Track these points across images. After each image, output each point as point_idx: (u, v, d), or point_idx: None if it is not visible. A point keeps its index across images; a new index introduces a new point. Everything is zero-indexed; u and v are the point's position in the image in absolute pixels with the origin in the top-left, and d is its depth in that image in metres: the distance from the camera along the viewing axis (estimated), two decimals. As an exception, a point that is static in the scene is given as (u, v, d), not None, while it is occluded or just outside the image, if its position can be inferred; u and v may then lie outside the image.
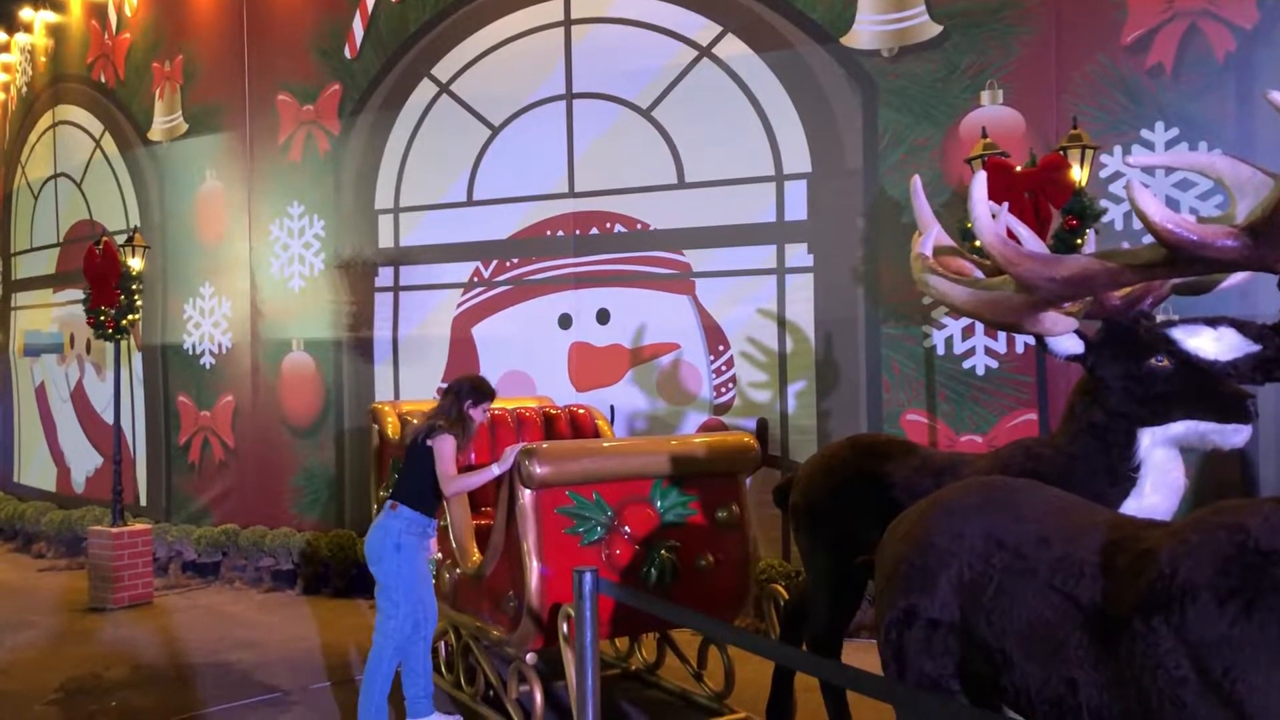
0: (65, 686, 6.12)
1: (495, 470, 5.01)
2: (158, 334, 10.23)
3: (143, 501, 10.32)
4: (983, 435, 6.84)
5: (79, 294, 8.94)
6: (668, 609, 3.83)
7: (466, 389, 5.18)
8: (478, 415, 5.18)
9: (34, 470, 12.13)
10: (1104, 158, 6.53)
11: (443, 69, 8.66)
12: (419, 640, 5.07)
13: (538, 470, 4.78)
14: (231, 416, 9.69)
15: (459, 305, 8.55)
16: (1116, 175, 6.62)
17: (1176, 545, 2.22)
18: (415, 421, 5.77)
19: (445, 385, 8.43)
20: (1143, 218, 2.21)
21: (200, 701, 5.78)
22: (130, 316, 8.53)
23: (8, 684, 6.19)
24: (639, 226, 7.94)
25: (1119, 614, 2.25)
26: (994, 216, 3.11)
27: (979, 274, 3.16)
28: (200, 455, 9.89)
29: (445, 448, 5.01)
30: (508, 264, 8.38)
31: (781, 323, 7.49)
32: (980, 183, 2.73)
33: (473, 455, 6.24)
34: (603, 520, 4.91)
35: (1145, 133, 6.56)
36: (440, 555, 5.66)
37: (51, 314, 11.81)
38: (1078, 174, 5.63)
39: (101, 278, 8.45)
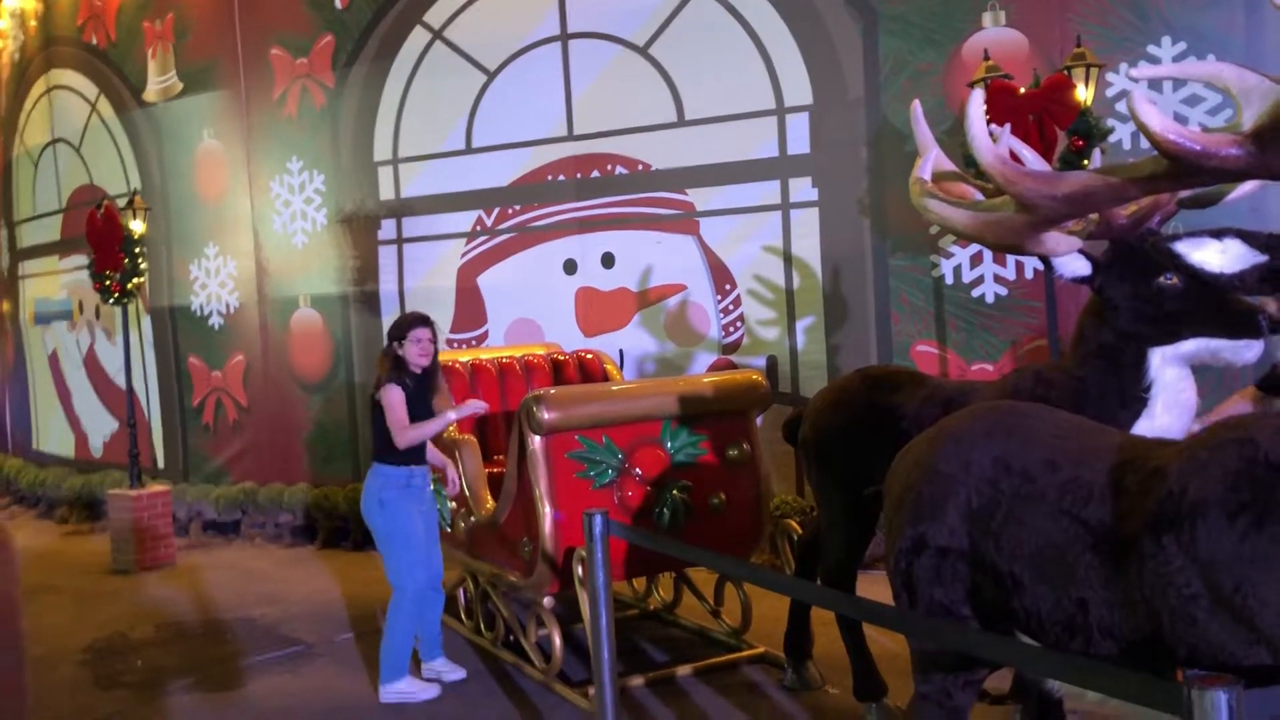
0: (92, 647, 6.21)
1: (451, 415, 5.06)
2: (165, 296, 10.22)
3: (160, 464, 10.39)
4: (994, 364, 6.80)
5: (84, 260, 8.92)
6: (681, 548, 3.84)
7: (391, 332, 5.13)
8: (411, 351, 5.03)
9: (52, 437, 12.22)
10: (1110, 76, 6.40)
11: (435, 15, 8.52)
12: (431, 589, 5.13)
13: (547, 416, 4.77)
14: (243, 376, 9.71)
15: (463, 255, 8.51)
16: (1123, 94, 6.49)
17: (1185, 462, 2.19)
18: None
19: (453, 336, 8.49)
20: (1143, 128, 2.15)
21: (226, 656, 5.86)
22: (135, 280, 8.53)
23: (35, 647, 6.27)
24: (640, 168, 7.85)
25: (1129, 534, 2.23)
26: (994, 139, 3.04)
27: (980, 198, 3.10)
28: (214, 416, 9.93)
29: (391, 397, 4.96)
30: (510, 211, 8.31)
31: (788, 259, 7.42)
32: (977, 102, 2.67)
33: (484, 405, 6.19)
34: (613, 463, 4.91)
35: (1152, 48, 6.42)
36: (455, 504, 5.69)
37: (59, 281, 11.81)
38: (1083, 94, 5.52)
39: (104, 242, 8.44)
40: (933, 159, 3.10)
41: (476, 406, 5.17)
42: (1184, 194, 2.94)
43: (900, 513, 2.75)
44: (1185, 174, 2.19)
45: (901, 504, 2.76)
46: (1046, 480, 2.48)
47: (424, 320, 5.14)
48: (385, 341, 5.13)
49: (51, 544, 9.59)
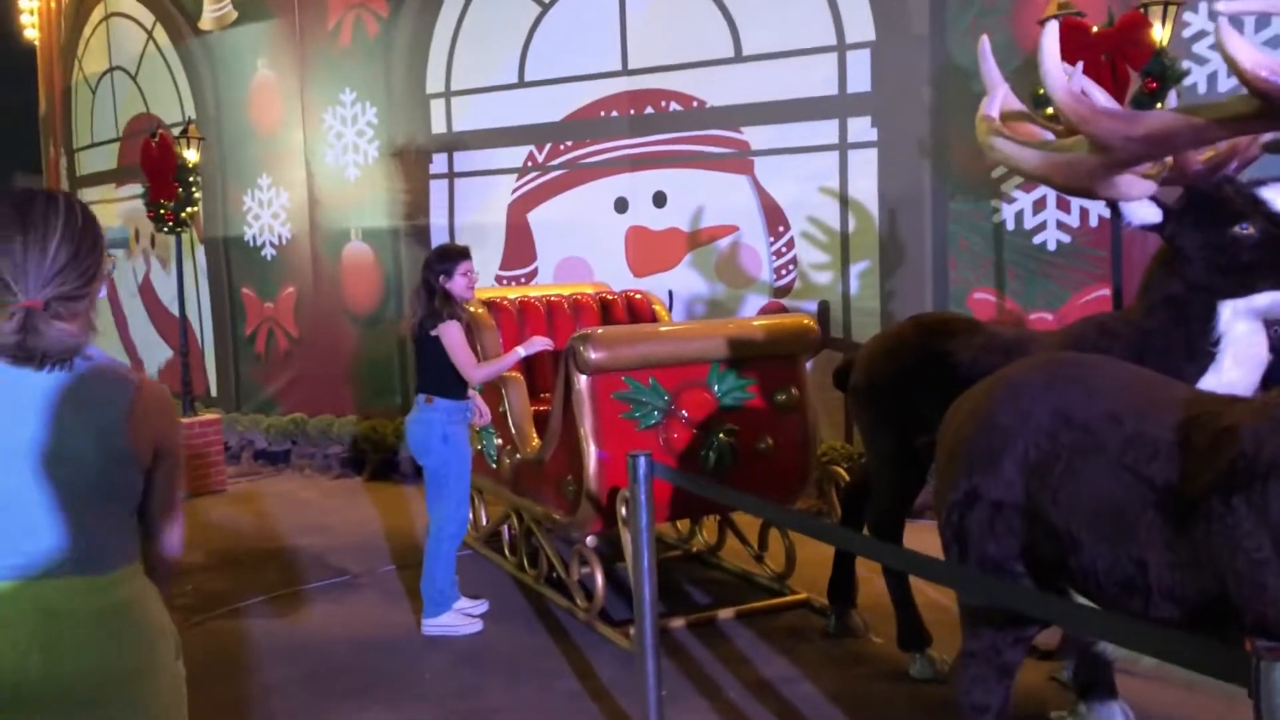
0: (144, 570, 6.32)
1: (521, 352, 5.04)
2: (219, 226, 10.28)
3: (213, 392, 10.53)
4: (1053, 312, 6.62)
5: (140, 189, 8.97)
6: (725, 493, 3.79)
7: (433, 265, 5.01)
8: (460, 285, 4.97)
9: (109, 363, 12.41)
10: (1187, 15, 6.12)
11: (490, -55, 8.37)
12: (463, 522, 5.15)
13: (593, 356, 4.72)
14: (294, 307, 9.77)
15: (514, 191, 8.43)
16: (1201, 34, 6.21)
17: (1260, 421, 2.08)
18: (474, 309, 5.69)
19: (502, 273, 8.45)
20: (1232, 63, 2.01)
21: (274, 584, 5.94)
22: (189, 209, 8.57)
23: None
24: (695, 104, 7.70)
25: (1195, 493, 2.13)
26: (1067, 78, 2.89)
27: (1049, 138, 2.96)
28: (266, 346, 10.03)
29: (452, 336, 4.91)
30: (562, 147, 8.20)
31: (844, 201, 7.26)
32: (1051, 34, 2.52)
33: (549, 341, 6.10)
34: (660, 405, 4.86)
35: (1235, -14, 6.12)
36: (500, 440, 5.68)
37: (116, 209, 11.92)
38: (1159, 33, 5.27)
39: (159, 171, 8.47)
40: (1000, 96, 2.95)
41: (543, 343, 5.16)
42: (1268, 137, 2.77)
43: (954, 464, 2.67)
44: (1276, 115, 2.05)
45: (955, 455, 2.67)
46: (1108, 434, 2.38)
47: (468, 252, 5.11)
48: (425, 279, 5.01)
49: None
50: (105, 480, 1.84)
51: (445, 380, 4.99)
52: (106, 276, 2.05)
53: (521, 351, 5.04)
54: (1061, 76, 2.46)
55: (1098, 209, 6.40)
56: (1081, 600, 2.44)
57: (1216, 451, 2.12)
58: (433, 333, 4.94)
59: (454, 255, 5.05)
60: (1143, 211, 3.18)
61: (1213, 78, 6.18)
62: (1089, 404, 2.47)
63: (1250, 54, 1.99)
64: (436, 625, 5.05)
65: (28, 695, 1.75)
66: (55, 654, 1.77)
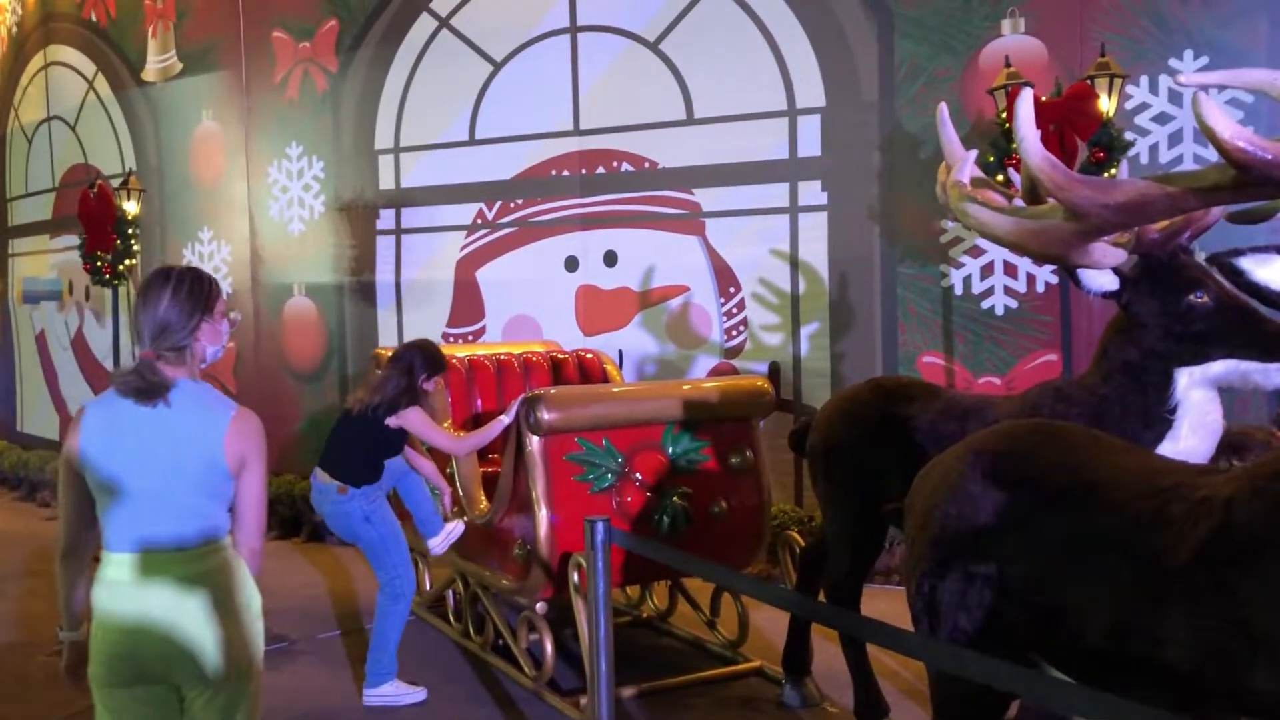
0: (69, 637, 6.04)
1: (505, 420, 4.86)
2: (157, 280, 10.04)
3: (146, 449, 10.21)
4: (1001, 377, 6.68)
5: (76, 240, 8.76)
6: (680, 558, 3.70)
7: (420, 363, 4.89)
8: (430, 389, 4.96)
9: (37, 418, 12.03)
10: (1130, 88, 6.27)
11: (441, 3, 8.37)
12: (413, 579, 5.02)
13: (546, 416, 4.63)
14: (234, 363, 9.54)
15: (462, 248, 8.36)
16: (1143, 106, 6.37)
17: (1243, 491, 2.05)
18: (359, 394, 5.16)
19: (449, 330, 8.34)
20: (1210, 134, 2.02)
21: (206, 651, 5.69)
22: (127, 261, 8.39)
23: (12, 634, 6.13)
24: (647, 165, 7.71)
25: (1175, 566, 2.09)
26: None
27: (1019, 204, 2.96)
28: (203, 402, 9.75)
29: (417, 421, 4.83)
30: (512, 205, 8.17)
31: (795, 263, 7.29)
32: (1027, 102, 2.52)
33: (479, 402, 6.09)
34: (613, 467, 4.77)
35: (1174, 61, 6.30)
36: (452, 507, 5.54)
37: (49, 260, 11.63)
38: (1105, 104, 5.41)
39: (97, 222, 8.29)
40: (970, 163, 2.96)
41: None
42: (1229, 208, 2.80)
43: (924, 533, 2.61)
44: (1252, 185, 2.06)
45: (926, 524, 2.62)
46: (1081, 503, 2.34)
47: (447, 366, 5.16)
48: (407, 370, 4.86)
49: (33, 527, 9.40)
50: (206, 482, 2.53)
51: (362, 468, 4.89)
52: (218, 330, 2.66)
53: (505, 420, 4.88)
54: (1038, 143, 2.46)
55: (1044, 275, 6.49)
56: (1056, 674, 2.38)
57: (1194, 523, 2.09)
58: (390, 420, 4.81)
59: (441, 365, 5.02)
60: (1101, 279, 3.20)
61: (1154, 149, 6.33)
62: (1060, 472, 2.44)
63: (1228, 125, 2.00)
64: (378, 695, 4.87)
65: (150, 627, 2.51)
66: (178, 600, 2.51)
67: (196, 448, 2.51)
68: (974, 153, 3.01)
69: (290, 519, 8.71)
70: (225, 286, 9.54)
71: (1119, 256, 2.87)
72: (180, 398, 2.53)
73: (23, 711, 4.94)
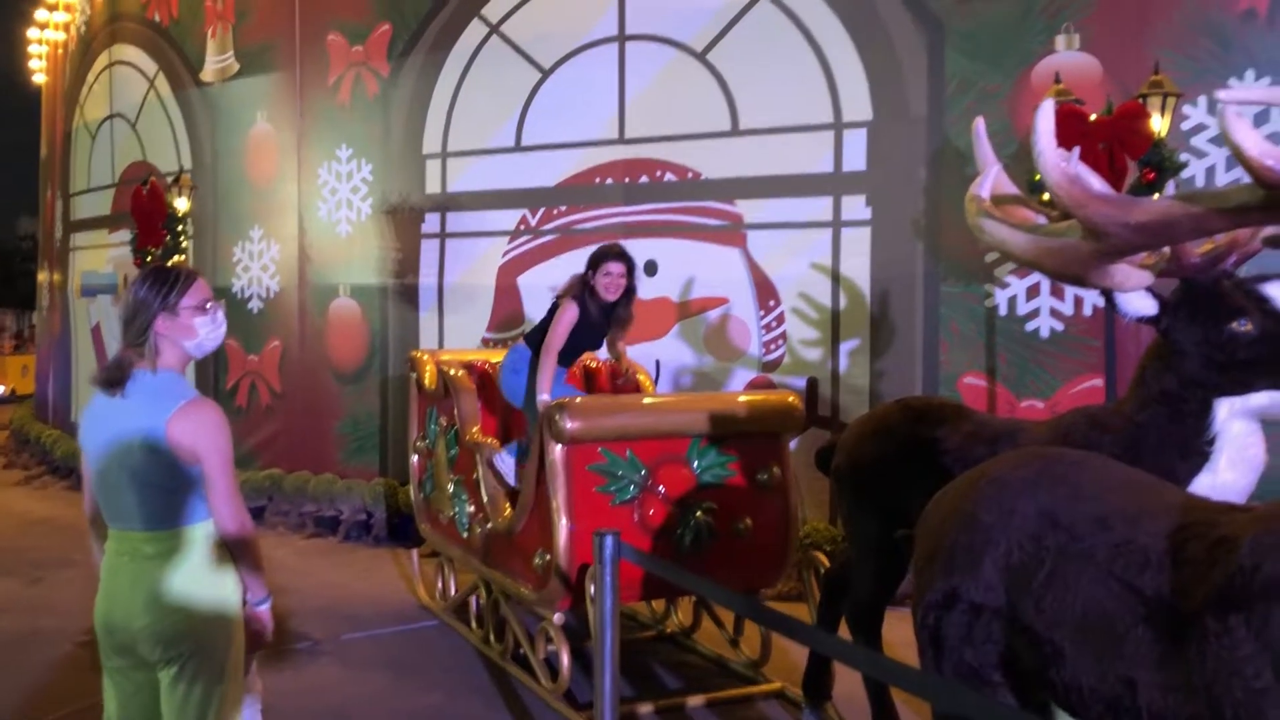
0: (98, 627, 6.10)
1: (545, 397, 4.99)
2: (209, 276, 10.05)
3: (191, 444, 10.32)
4: (1045, 401, 6.50)
5: (130, 235, 8.90)
6: (695, 581, 3.62)
7: (588, 260, 5.18)
8: (603, 283, 5.08)
9: (89, 409, 12.23)
10: (1186, 108, 6.09)
11: (493, 9, 8.39)
12: None
13: (569, 425, 4.58)
14: (279, 361, 9.63)
15: (505, 254, 8.35)
16: (1200, 127, 6.17)
17: (1261, 533, 1.93)
18: (453, 371, 5.73)
19: (489, 335, 8.34)
20: (1237, 152, 1.91)
21: (230, 648, 5.70)
22: (176, 258, 8.49)
23: (45, 620, 6.20)
24: (690, 175, 7.65)
25: (1189, 609, 1.97)
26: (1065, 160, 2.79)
27: (1043, 221, 2.85)
28: (247, 399, 9.86)
29: (564, 314, 5.06)
30: (555, 212, 8.14)
31: (836, 278, 7.17)
32: (1046, 113, 2.41)
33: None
34: (636, 479, 4.70)
35: (1233, 81, 6.09)
36: (473, 508, 5.51)
37: (107, 255, 11.84)
38: (1157, 124, 5.24)
39: (147, 218, 8.41)
40: (993, 176, 2.85)
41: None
42: (1269, 231, 2.66)
43: (932, 562, 2.51)
44: (1280, 207, 1.94)
45: (934, 553, 2.51)
46: (1096, 539, 2.23)
47: (617, 255, 5.16)
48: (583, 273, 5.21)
49: (78, 517, 9.51)
50: (152, 470, 2.67)
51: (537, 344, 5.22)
52: (185, 324, 2.76)
53: (546, 397, 5.01)
54: (1055, 156, 2.35)
55: (1092, 298, 6.31)
56: (1064, 716, 2.27)
57: (1212, 564, 1.97)
58: (555, 300, 5.20)
59: (601, 254, 5.18)
60: (1138, 303, 3.07)
61: (1210, 171, 6.13)
62: (1076, 505, 2.33)
63: (1257, 142, 1.89)
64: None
65: (130, 604, 2.73)
66: (138, 577, 2.71)
67: (140, 437, 2.66)
68: (997, 167, 2.90)
69: (330, 518, 8.74)
70: (273, 285, 9.63)
71: (1143, 279, 2.73)
72: (134, 389, 2.69)
73: (40, 697, 4.98)
